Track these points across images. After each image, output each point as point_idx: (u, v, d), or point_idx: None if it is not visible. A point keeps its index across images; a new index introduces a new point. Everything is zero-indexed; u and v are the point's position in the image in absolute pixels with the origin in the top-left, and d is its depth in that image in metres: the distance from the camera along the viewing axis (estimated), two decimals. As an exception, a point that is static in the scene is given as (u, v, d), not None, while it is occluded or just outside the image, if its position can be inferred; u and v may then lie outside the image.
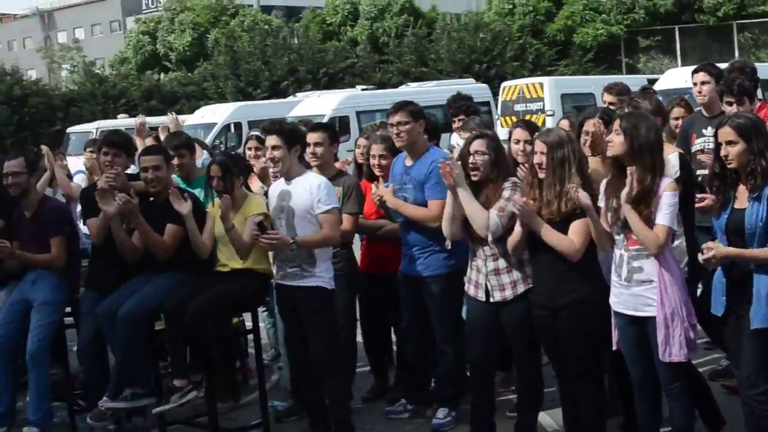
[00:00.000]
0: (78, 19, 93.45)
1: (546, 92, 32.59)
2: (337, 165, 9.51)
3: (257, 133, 10.14)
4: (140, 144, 10.97)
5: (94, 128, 37.91)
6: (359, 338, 9.66)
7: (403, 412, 9.18)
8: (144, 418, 9.16)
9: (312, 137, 8.90)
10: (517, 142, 8.45)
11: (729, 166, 6.63)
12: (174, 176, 9.48)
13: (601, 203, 7.11)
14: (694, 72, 9.95)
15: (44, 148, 11.57)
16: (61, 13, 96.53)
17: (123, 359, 8.64)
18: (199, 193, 9.23)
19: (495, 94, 35.69)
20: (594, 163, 7.99)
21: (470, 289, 7.95)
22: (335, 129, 9.85)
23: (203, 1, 69.73)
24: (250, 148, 10.38)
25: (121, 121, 40.08)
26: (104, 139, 9.52)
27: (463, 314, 8.68)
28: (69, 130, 42.70)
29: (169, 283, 8.67)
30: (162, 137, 11.15)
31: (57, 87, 59.39)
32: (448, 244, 8.33)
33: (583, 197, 6.97)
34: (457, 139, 10.43)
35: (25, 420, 9.26)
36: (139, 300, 8.58)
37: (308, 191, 8.19)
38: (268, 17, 67.88)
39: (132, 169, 9.46)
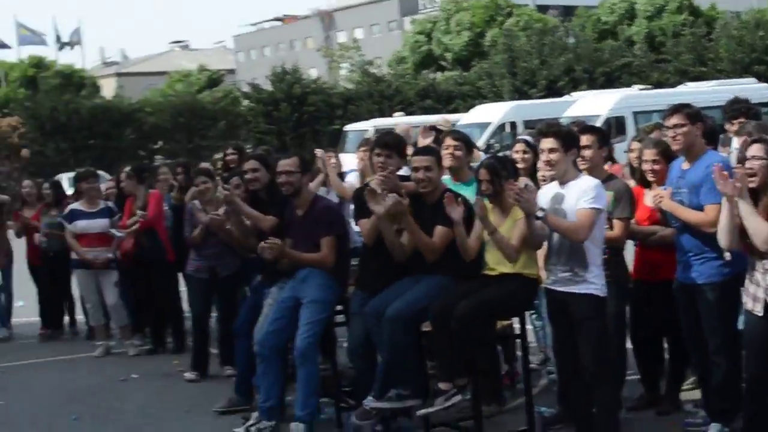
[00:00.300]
0: (357, 19, 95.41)
1: (834, 92, 31.36)
2: (614, 168, 9.28)
3: (525, 137, 10.02)
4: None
5: (370, 126, 38.50)
6: (629, 345, 9.43)
7: (703, 425, 8.85)
8: (409, 418, 9.15)
9: (581, 140, 8.71)
10: (801, 146, 8.05)
11: None
12: (445, 177, 9.46)
13: None
14: None
15: (318, 152, 11.72)
16: (341, 13, 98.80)
17: (389, 359, 8.68)
18: (470, 194, 9.18)
19: (777, 94, 34.53)
20: None
21: (748, 303, 7.60)
22: (605, 132, 9.64)
23: (479, 1, 70.09)
24: (517, 152, 10.25)
25: (397, 120, 40.66)
26: (377, 141, 9.58)
27: (739, 324, 8.34)
28: (346, 128, 43.57)
29: (436, 285, 8.65)
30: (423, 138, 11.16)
31: (335, 86, 60.63)
32: (728, 256, 8.03)
33: None
34: (735, 144, 10.05)
35: (293, 415, 9.40)
36: (407, 301, 8.59)
37: (582, 193, 8.03)
38: (543, 16, 67.67)
39: (404, 170, 9.47)
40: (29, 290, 15.93)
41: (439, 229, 8.73)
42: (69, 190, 17.51)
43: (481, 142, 33.59)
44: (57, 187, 15.77)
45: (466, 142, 9.82)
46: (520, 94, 51.95)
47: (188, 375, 11.84)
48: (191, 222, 11.71)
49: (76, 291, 15.05)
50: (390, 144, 9.32)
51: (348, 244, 9.85)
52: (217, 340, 11.94)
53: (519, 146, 10.16)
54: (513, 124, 36.42)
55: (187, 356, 12.32)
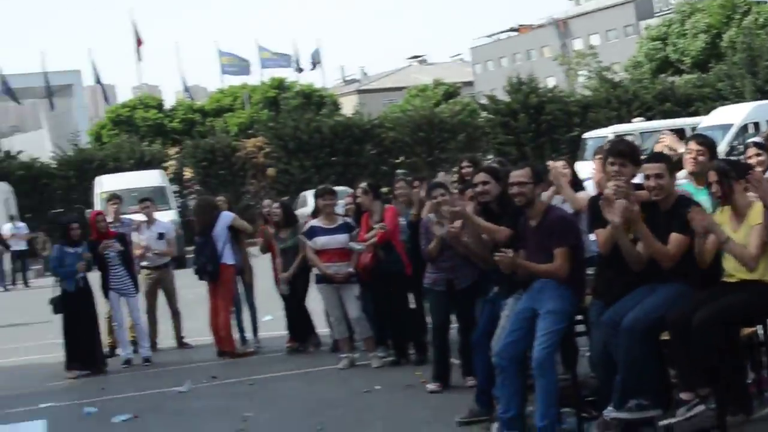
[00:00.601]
0: (593, 26, 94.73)
1: None
2: None
3: (755, 139, 9.81)
4: None
5: (609, 133, 38.06)
6: None
7: None
8: (653, 429, 9.02)
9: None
10: None
11: None
12: (683, 183, 9.32)
13: None
14: None
15: (550, 164, 11.64)
16: (577, 20, 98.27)
17: (627, 369, 8.57)
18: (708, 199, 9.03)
19: None
20: None
21: None
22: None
23: (714, 0, 68.63)
24: (750, 156, 10.04)
25: (637, 125, 40.17)
26: (610, 149, 9.47)
27: None
28: (585, 135, 43.24)
29: (673, 293, 8.52)
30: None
31: (572, 93, 60.17)
32: None
33: None
34: None
35: (534, 425, 9.38)
36: (644, 310, 8.48)
37: None
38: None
39: (639, 178, 9.36)
40: (277, 304, 16.34)
41: (675, 236, 8.59)
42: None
43: (723, 144, 32.88)
44: (286, 207, 16.15)
45: (709, 147, 9.66)
46: (762, 93, 50.47)
47: (430, 386, 11.94)
48: (427, 235, 11.82)
49: (310, 304, 15.49)
50: (624, 152, 9.20)
51: (583, 253, 9.76)
52: (458, 351, 12.00)
53: (751, 150, 9.95)
54: (756, 125, 35.45)
55: (429, 367, 12.43)
